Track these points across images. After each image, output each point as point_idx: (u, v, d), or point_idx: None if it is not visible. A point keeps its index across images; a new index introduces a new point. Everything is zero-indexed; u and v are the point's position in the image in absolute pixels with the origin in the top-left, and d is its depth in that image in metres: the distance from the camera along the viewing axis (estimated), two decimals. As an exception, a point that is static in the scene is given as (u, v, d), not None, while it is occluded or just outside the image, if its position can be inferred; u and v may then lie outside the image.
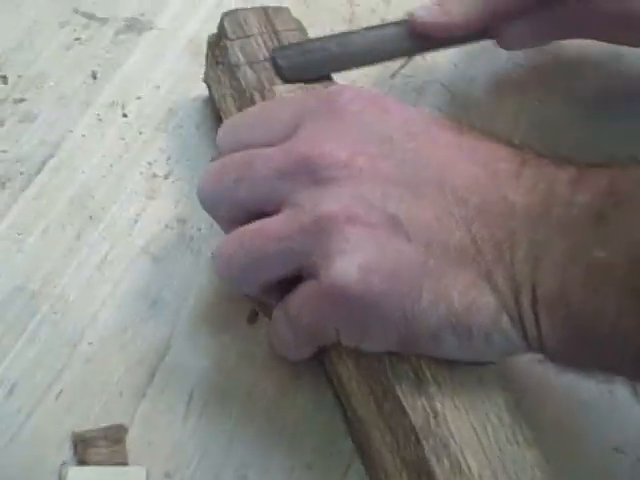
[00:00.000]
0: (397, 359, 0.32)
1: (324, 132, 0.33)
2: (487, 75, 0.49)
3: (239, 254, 0.34)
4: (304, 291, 0.33)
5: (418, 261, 0.31)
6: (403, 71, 0.49)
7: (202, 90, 0.46)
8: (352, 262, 0.31)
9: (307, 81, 0.40)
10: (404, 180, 0.32)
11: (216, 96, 0.43)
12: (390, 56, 0.43)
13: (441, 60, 0.50)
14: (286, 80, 0.40)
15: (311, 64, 0.41)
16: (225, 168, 0.35)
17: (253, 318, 0.39)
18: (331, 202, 0.32)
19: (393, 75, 0.49)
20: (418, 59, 0.49)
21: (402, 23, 0.43)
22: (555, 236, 0.30)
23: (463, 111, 0.48)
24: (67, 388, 0.37)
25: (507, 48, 0.45)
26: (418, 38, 0.43)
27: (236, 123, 0.37)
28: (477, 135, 0.34)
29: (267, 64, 0.41)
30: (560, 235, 0.30)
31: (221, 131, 0.37)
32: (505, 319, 0.31)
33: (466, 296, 0.31)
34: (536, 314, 0.31)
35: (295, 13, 0.48)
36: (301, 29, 0.43)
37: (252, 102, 0.40)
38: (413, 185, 0.32)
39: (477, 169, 0.32)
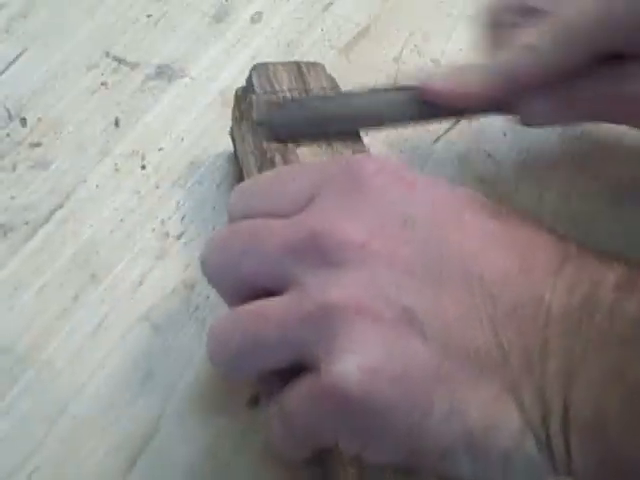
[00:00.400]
0: (403, 475, 0.28)
1: (341, 207, 0.30)
2: (538, 147, 0.44)
3: (234, 337, 0.30)
4: (302, 387, 0.29)
5: (432, 365, 0.27)
6: (447, 136, 0.45)
7: (228, 145, 0.42)
8: (356, 361, 0.27)
9: (299, 139, 0.37)
10: (425, 269, 0.28)
11: (239, 154, 0.40)
12: (395, 121, 0.39)
13: (489, 127, 0.45)
14: (276, 138, 0.36)
15: (304, 122, 0.37)
16: (231, 237, 0.31)
17: (254, 402, 0.35)
18: (341, 289, 0.28)
19: (436, 140, 0.45)
20: (464, 124, 0.45)
21: (414, 87, 0.38)
22: (594, 349, 0.26)
23: (508, 184, 0.43)
24: (40, 469, 0.33)
25: (527, 125, 0.39)
26: (428, 105, 0.38)
27: (249, 188, 0.33)
28: (516, 221, 0.30)
29: None
30: (600, 349, 0.26)
31: (233, 195, 0.33)
32: (530, 441, 0.26)
33: (486, 411, 0.26)
34: (567, 439, 0.26)
35: (336, 69, 0.45)
36: (335, 87, 0.39)
37: (272, 164, 0.36)
38: (435, 276, 0.28)
39: (511, 261, 0.28)
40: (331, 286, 0.28)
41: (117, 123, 0.44)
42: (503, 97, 0.38)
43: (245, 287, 0.31)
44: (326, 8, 0.50)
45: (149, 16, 0.48)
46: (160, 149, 0.43)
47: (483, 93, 0.37)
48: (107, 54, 0.46)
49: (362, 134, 0.39)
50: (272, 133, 0.37)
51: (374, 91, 0.39)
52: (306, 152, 0.36)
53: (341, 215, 0.29)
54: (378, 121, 0.38)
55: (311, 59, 0.45)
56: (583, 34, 0.36)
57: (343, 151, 0.37)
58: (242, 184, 0.34)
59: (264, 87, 0.38)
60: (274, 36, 0.48)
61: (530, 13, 0.37)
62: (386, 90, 0.39)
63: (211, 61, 0.47)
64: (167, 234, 0.40)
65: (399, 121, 0.39)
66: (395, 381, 0.27)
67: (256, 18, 0.49)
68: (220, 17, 0.49)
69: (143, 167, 0.42)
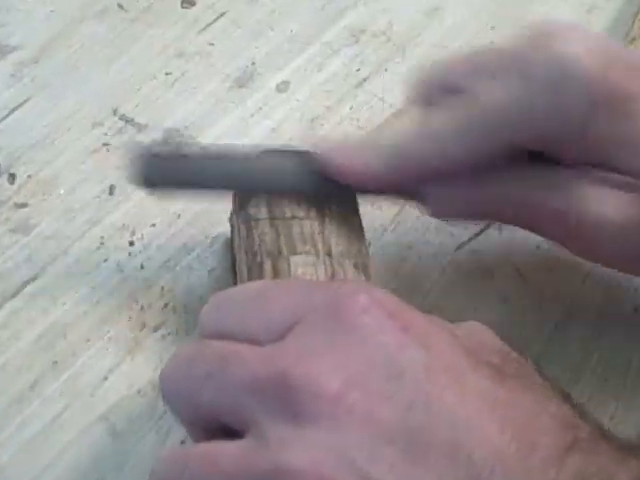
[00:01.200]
0: None
1: (320, 346, 0.26)
2: (574, 268, 0.40)
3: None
4: None
5: None
6: (472, 244, 0.41)
7: (227, 228, 0.39)
8: None
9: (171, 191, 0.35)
10: (406, 436, 0.24)
11: (235, 246, 0.36)
12: (280, 189, 0.35)
13: (520, 238, 0.40)
14: (143, 185, 0.34)
15: (178, 175, 0.34)
16: (196, 359, 0.28)
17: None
18: (302, 450, 0.24)
19: (459, 247, 0.41)
20: (492, 232, 0.41)
21: (307, 153, 0.35)
22: None
23: (534, 308, 0.39)
24: None
25: (433, 215, 0.36)
26: (321, 177, 0.34)
27: (226, 302, 0.30)
28: (523, 383, 0.27)
29: (294, 223, 0.34)
30: None
31: (207, 307, 0.30)
32: None
33: None
34: None
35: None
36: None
37: (260, 270, 0.33)
38: (417, 445, 0.24)
39: (508, 439, 0.24)
40: (292, 445, 0.25)
41: (112, 191, 0.41)
42: (403, 181, 0.34)
43: (203, 416, 0.28)
44: (360, 84, 0.47)
45: (168, 74, 0.46)
46: (152, 225, 0.40)
47: (381, 175, 0.33)
48: (115, 112, 0.44)
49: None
50: (142, 181, 0.34)
51: (264, 153, 0.35)
52: (299, 261, 0.33)
53: (318, 357, 0.26)
54: (261, 187, 0.35)
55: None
56: (496, 126, 0.32)
57: (344, 263, 0.33)
58: (219, 295, 0.31)
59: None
60: (299, 108, 0.45)
61: (453, 91, 0.33)
62: (277, 152, 0.35)
63: (226, 129, 0.44)
64: (144, 324, 0.37)
65: (285, 189, 0.35)
66: None
67: (282, 87, 0.46)
68: (243, 82, 0.46)
69: (131, 243, 0.40)
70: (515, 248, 0.41)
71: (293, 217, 0.34)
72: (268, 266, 0.33)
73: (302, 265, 0.33)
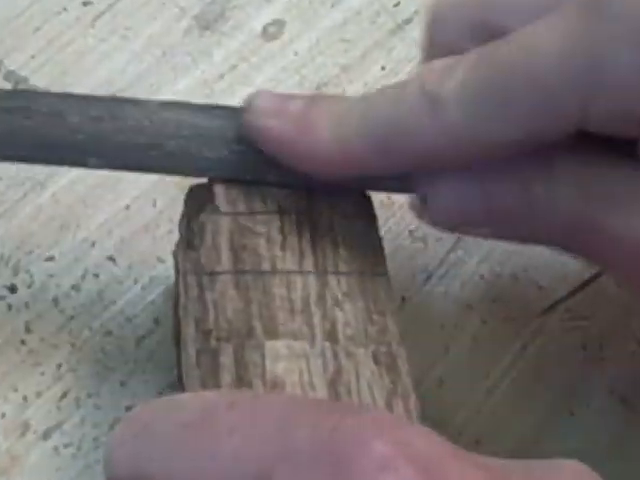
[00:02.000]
0: None
1: None
2: None
3: None
4: None
5: None
6: (571, 303, 0.40)
7: (169, 268, 0.38)
8: None
9: None
10: None
11: (180, 303, 0.34)
12: (192, 169, 0.34)
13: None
14: None
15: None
16: None
17: None
18: None
19: (550, 308, 0.40)
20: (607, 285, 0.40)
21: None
22: None
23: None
24: None
25: (433, 223, 0.35)
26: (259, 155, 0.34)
27: (150, 426, 0.28)
28: None
29: (275, 280, 0.32)
30: None
31: (118, 432, 0.29)
32: None
33: None
34: None
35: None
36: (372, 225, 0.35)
37: (215, 366, 0.30)
38: None
39: None
40: None
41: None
42: (379, 167, 0.34)
43: None
44: (399, 28, 0.46)
45: (86, 4, 0.45)
46: (49, 258, 0.39)
47: (340, 155, 0.33)
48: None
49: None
50: None
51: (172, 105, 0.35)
52: (281, 350, 0.31)
53: None
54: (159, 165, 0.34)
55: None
56: (552, 92, 0.31)
57: (356, 354, 0.31)
58: (140, 412, 0.29)
59: (234, 200, 0.34)
60: (297, 68, 0.45)
61: (489, 36, 0.33)
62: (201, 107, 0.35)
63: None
64: (26, 426, 0.36)
65: (204, 171, 0.34)
66: None
67: (273, 31, 0.46)
68: (209, 21, 0.46)
69: (12, 289, 0.39)
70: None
71: (275, 270, 0.33)
72: (228, 358, 0.31)
73: (286, 357, 0.31)
